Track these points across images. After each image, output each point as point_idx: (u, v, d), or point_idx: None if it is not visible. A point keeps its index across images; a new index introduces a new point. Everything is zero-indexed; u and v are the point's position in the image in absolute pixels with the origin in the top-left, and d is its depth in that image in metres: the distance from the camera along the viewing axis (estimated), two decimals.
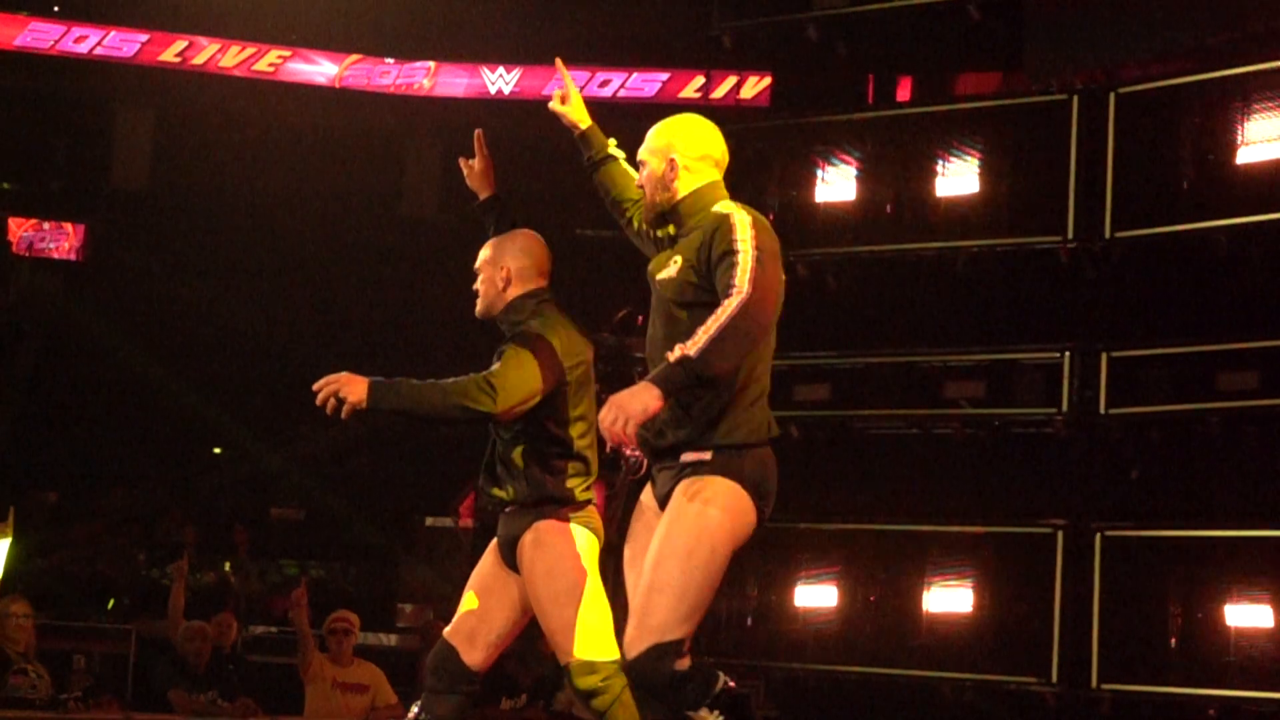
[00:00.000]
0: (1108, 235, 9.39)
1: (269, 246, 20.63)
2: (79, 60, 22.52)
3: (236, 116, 21.72)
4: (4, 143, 22.51)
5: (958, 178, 9.92)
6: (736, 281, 4.65)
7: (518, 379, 5.48)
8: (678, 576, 4.72)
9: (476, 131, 6.13)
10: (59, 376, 20.56)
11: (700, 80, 12.18)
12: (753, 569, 9.93)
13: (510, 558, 5.76)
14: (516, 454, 5.68)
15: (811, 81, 11.06)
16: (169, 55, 22.52)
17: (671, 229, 5.07)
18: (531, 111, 21.37)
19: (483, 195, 6.13)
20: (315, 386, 5.24)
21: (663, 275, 4.95)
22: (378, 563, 16.84)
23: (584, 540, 5.67)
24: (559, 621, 5.63)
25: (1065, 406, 9.40)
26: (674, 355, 4.56)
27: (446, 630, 5.82)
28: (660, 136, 5.05)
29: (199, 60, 22.55)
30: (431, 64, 22.04)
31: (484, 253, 5.84)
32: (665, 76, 21.60)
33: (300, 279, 21.18)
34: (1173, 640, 8.95)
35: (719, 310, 4.61)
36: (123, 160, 23.18)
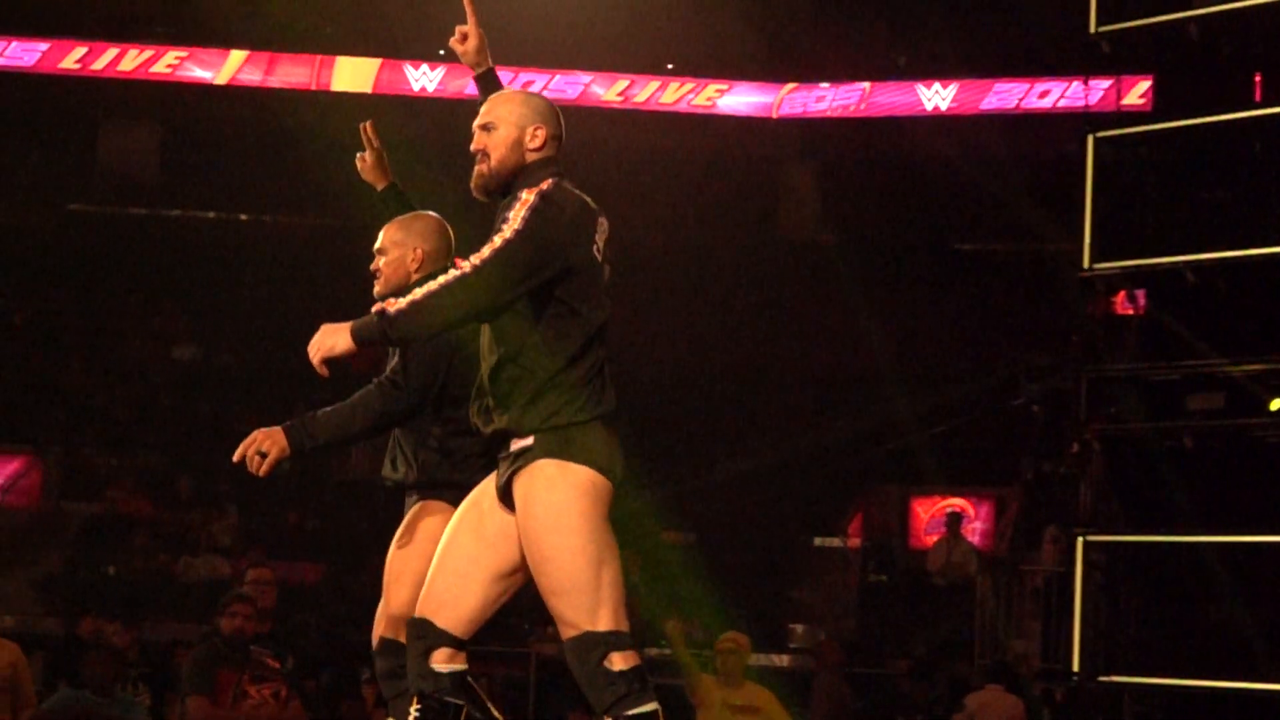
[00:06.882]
0: None
1: (645, 278, 20.95)
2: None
3: (610, 148, 22.15)
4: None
5: None
6: (474, 258, 4.61)
7: (419, 368, 5.46)
8: (564, 578, 4.73)
9: (364, 124, 6.15)
10: None
11: (1107, 83, 11.98)
12: (1149, 584, 9.71)
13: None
14: (409, 438, 5.65)
15: (1194, 82, 10.77)
16: (610, 95, 23.18)
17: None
18: (961, 128, 21.09)
19: (380, 186, 6.17)
20: (236, 457, 5.17)
21: None
22: (768, 583, 16.95)
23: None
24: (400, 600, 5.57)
25: None
26: (378, 306, 4.55)
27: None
28: (525, 105, 4.96)
29: (640, 98, 23.15)
30: (866, 85, 21.99)
31: (390, 234, 5.77)
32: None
33: (672, 306, 21.51)
34: None
35: (442, 276, 4.58)
36: None
